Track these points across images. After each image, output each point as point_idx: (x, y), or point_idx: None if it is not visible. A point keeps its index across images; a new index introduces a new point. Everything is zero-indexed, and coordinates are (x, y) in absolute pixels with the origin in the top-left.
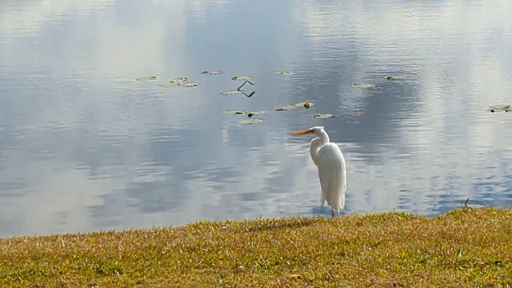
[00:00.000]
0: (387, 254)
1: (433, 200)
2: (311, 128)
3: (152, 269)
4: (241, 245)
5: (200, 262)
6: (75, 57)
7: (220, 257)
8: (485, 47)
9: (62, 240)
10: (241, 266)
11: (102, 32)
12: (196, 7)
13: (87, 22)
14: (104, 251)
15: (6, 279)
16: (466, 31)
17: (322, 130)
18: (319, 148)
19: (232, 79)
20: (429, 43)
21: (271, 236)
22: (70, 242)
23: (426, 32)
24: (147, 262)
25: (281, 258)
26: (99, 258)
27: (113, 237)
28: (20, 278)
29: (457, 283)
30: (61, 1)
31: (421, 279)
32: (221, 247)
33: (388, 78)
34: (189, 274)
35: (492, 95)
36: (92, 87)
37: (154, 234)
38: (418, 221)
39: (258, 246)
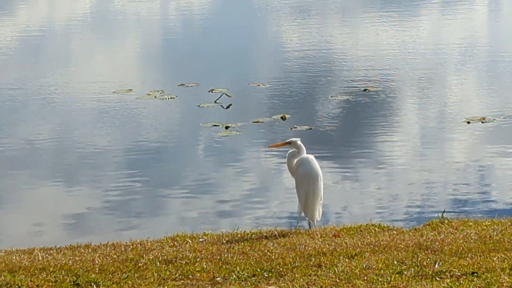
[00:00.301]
0: (364, 265)
1: (410, 212)
2: (287, 140)
3: (129, 281)
4: (218, 257)
5: (177, 275)
6: (50, 70)
7: (197, 269)
8: (460, 59)
9: (39, 253)
10: (218, 278)
11: (78, 45)
12: (172, 20)
13: (63, 35)
14: (81, 264)
15: None
16: (441, 44)
17: (299, 142)
18: (296, 160)
19: (209, 91)
20: (405, 56)
21: (248, 248)
22: (47, 255)
23: (401, 45)
24: (124, 274)
25: (258, 270)
26: (76, 271)
27: (90, 250)
28: None
29: None
30: (36, 14)
31: None
32: (198, 259)
33: (365, 90)
34: (166, 287)
35: (468, 107)
36: (68, 100)
37: (131, 246)
38: (395, 232)
39: (235, 258)
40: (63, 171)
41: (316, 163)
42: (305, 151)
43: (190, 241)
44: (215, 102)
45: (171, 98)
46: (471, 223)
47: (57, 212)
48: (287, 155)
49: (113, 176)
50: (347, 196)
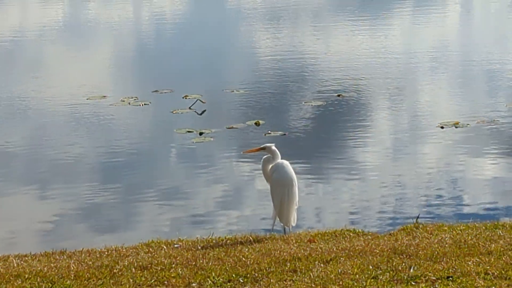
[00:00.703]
0: (339, 270)
1: (384, 217)
2: (262, 146)
3: None
4: (194, 263)
5: (152, 281)
6: (23, 77)
7: (172, 275)
8: (432, 64)
9: (14, 260)
10: (193, 284)
11: (51, 52)
12: (146, 26)
13: (35, 42)
14: (56, 271)
15: None
16: (414, 49)
17: (274, 148)
18: (270, 166)
19: (183, 97)
20: (377, 61)
21: (224, 253)
22: (22, 262)
23: (374, 50)
24: (100, 281)
25: (234, 275)
26: (51, 278)
27: (65, 257)
28: None
29: None
30: (8, 21)
31: None
32: (173, 265)
33: (338, 95)
34: None
35: (442, 112)
36: (42, 107)
37: (106, 253)
38: (370, 237)
39: (210, 263)
40: (36, 178)
41: (291, 169)
42: (279, 156)
43: (165, 247)
44: (189, 108)
45: (145, 104)
46: (445, 228)
47: (31, 219)
48: (261, 160)
49: (87, 183)
50: (321, 201)
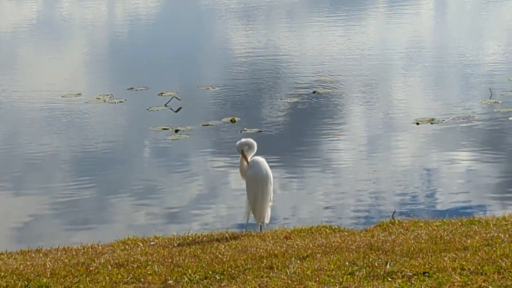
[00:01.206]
0: (316, 266)
1: (360, 213)
2: (240, 149)
3: (81, 285)
4: (170, 260)
5: (129, 278)
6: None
7: (149, 272)
8: (407, 61)
9: None
10: (170, 281)
11: (25, 51)
12: (120, 24)
13: (8, 41)
14: (32, 268)
15: None
16: (388, 46)
17: (250, 141)
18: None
19: (158, 95)
20: (352, 58)
21: (200, 250)
22: None
23: (349, 47)
24: (76, 278)
25: (210, 272)
26: (27, 276)
27: (41, 255)
28: None
29: None
30: None
31: None
32: (149, 263)
33: (314, 92)
34: None
35: (417, 108)
36: (16, 105)
37: (82, 250)
38: (346, 233)
39: (187, 260)
40: (11, 177)
41: (266, 165)
42: (255, 147)
43: (141, 244)
44: (165, 105)
45: (120, 102)
46: (421, 224)
47: (6, 217)
48: (240, 157)
49: (62, 181)
50: (297, 198)
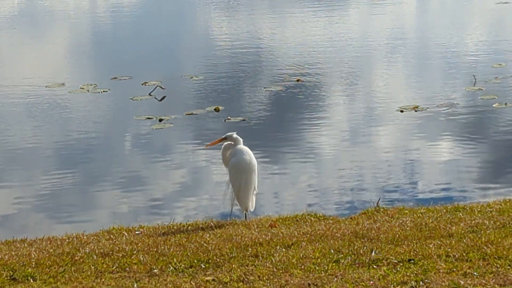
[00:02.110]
0: (301, 254)
1: (345, 202)
2: (223, 136)
3: (66, 275)
4: (155, 249)
5: (114, 267)
6: None
7: (134, 261)
8: (391, 49)
9: None
10: (155, 270)
11: (7, 41)
12: (102, 14)
13: None
14: (17, 259)
15: None
16: (372, 33)
17: (235, 135)
18: (230, 151)
19: (142, 84)
20: (336, 46)
21: (185, 239)
22: None
23: (333, 35)
24: (61, 268)
25: (195, 261)
26: (12, 266)
27: (25, 244)
28: None
29: (371, 282)
30: None
31: (335, 279)
32: (135, 252)
33: (297, 80)
34: (103, 279)
35: (401, 96)
36: (2, 94)
37: (67, 240)
38: (331, 221)
39: (172, 249)
40: None
41: (250, 154)
42: (241, 141)
43: (126, 234)
44: (149, 94)
45: (104, 91)
46: (406, 211)
47: None
48: (222, 146)
49: (46, 172)
50: (281, 186)
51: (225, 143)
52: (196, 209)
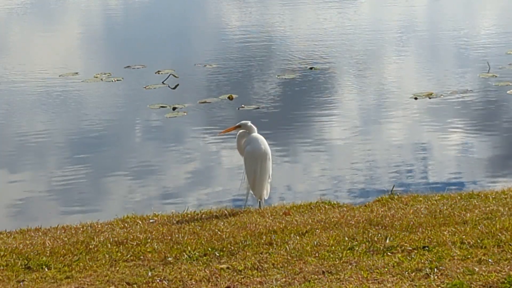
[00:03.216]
0: (315, 242)
1: (359, 189)
2: (237, 124)
3: (81, 263)
4: (169, 237)
5: (128, 256)
6: None
7: (148, 250)
8: (405, 37)
9: None
10: (169, 258)
11: (21, 31)
12: (115, 3)
13: (4, 22)
14: (32, 247)
15: None
16: (385, 22)
17: (250, 124)
18: (244, 139)
19: (155, 73)
20: (349, 34)
21: (199, 227)
22: None
23: (345, 24)
24: (75, 257)
25: (210, 249)
26: (26, 254)
27: (40, 233)
28: None
29: (386, 269)
30: None
31: (350, 266)
32: (149, 240)
33: (311, 68)
34: (117, 268)
35: (415, 83)
36: (13, 85)
37: (81, 229)
38: (345, 209)
39: (186, 238)
40: (7, 157)
41: (264, 142)
42: (256, 131)
43: (140, 222)
44: (162, 83)
45: (117, 80)
46: (420, 198)
47: (3, 197)
48: (237, 134)
49: (59, 161)
50: (295, 174)
51: (240, 131)
52: (210, 197)
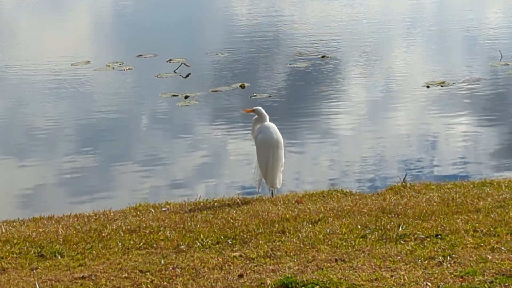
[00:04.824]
0: (328, 230)
1: (371, 178)
2: (254, 108)
3: (94, 251)
4: (182, 225)
5: (141, 244)
6: (6, 44)
7: (161, 238)
8: (416, 26)
9: (2, 226)
10: (182, 246)
11: (33, 20)
12: None
13: (17, 11)
14: (45, 235)
15: None
16: (396, 10)
17: (262, 111)
18: (258, 126)
19: (167, 61)
20: (360, 23)
21: (211, 216)
22: (10, 228)
23: (357, 12)
24: (88, 245)
25: (222, 237)
26: (40, 242)
27: (53, 222)
28: None
29: (398, 257)
30: None
31: (363, 254)
32: (161, 228)
33: (323, 57)
34: (130, 256)
35: (427, 72)
36: (25, 74)
37: (94, 217)
38: (358, 197)
39: (198, 226)
40: (20, 145)
41: (276, 130)
42: (267, 118)
43: (153, 210)
44: (174, 72)
45: (129, 69)
46: (433, 186)
47: (15, 187)
48: (253, 119)
49: (71, 149)
50: (307, 163)
51: (255, 116)
52: (222, 185)
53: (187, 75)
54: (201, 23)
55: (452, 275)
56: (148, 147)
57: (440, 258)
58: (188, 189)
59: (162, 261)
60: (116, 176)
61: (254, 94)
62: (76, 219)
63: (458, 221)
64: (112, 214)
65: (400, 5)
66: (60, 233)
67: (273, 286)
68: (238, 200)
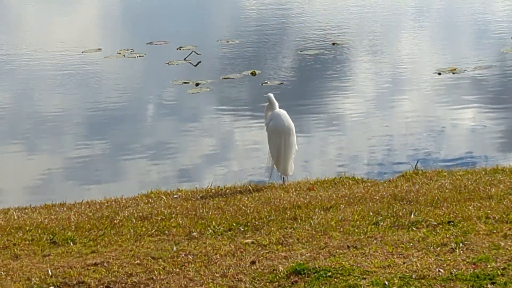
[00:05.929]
0: (340, 217)
1: (382, 164)
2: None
3: (106, 238)
4: (194, 212)
5: (153, 230)
6: (17, 32)
7: (173, 224)
8: (427, 12)
9: (14, 213)
10: (194, 233)
11: (44, 8)
12: None
13: None
14: (57, 222)
15: None
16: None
17: (271, 98)
18: (269, 113)
19: (178, 49)
20: (371, 10)
21: (223, 203)
22: (23, 214)
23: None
24: (100, 231)
25: (234, 224)
26: (52, 229)
27: (65, 208)
28: None
29: (411, 244)
30: None
31: (375, 241)
32: (173, 215)
33: (333, 44)
34: (142, 242)
35: (439, 58)
36: (37, 61)
37: (106, 204)
38: (369, 184)
39: (210, 213)
40: (30, 133)
41: (287, 117)
42: (276, 105)
43: (164, 197)
44: (184, 59)
45: (140, 56)
46: (445, 173)
47: (26, 175)
48: (265, 105)
49: (82, 137)
50: (318, 150)
51: (266, 104)
52: (234, 173)
53: (198, 63)
54: (212, 11)
55: (465, 262)
56: (159, 134)
57: (453, 244)
58: (199, 176)
59: (174, 248)
60: (126, 163)
61: (265, 81)
62: (88, 206)
63: (470, 208)
64: (124, 201)
65: None
66: (72, 220)
67: (285, 272)
68: (249, 187)
